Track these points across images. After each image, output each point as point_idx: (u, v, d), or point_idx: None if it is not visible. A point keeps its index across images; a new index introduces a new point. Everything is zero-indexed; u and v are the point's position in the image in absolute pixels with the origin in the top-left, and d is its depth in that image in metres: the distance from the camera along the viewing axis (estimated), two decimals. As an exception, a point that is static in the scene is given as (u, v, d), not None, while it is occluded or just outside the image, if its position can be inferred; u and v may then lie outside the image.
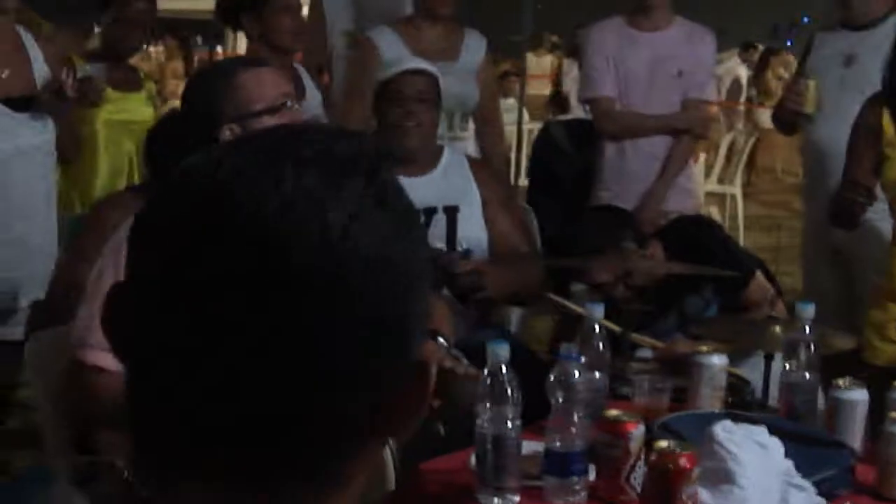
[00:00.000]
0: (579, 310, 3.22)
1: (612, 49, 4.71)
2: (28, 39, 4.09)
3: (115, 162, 4.58)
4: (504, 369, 2.26)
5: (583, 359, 2.52)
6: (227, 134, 2.55)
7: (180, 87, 11.45)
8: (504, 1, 8.42)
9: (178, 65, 14.89)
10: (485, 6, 8.72)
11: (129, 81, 4.71)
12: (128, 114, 4.61)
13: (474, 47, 4.49)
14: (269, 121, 2.59)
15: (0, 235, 3.93)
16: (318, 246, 0.87)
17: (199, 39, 17.19)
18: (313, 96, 4.40)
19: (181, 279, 0.87)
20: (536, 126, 8.19)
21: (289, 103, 2.66)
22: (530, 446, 2.37)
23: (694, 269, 3.62)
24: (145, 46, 9.95)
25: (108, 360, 2.48)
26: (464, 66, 4.35)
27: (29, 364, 2.95)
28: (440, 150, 3.80)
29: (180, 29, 15.56)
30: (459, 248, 3.64)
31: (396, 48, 4.29)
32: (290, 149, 0.93)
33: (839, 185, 3.75)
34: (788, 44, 13.74)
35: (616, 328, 3.26)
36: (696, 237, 3.95)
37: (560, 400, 2.30)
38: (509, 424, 2.26)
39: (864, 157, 3.67)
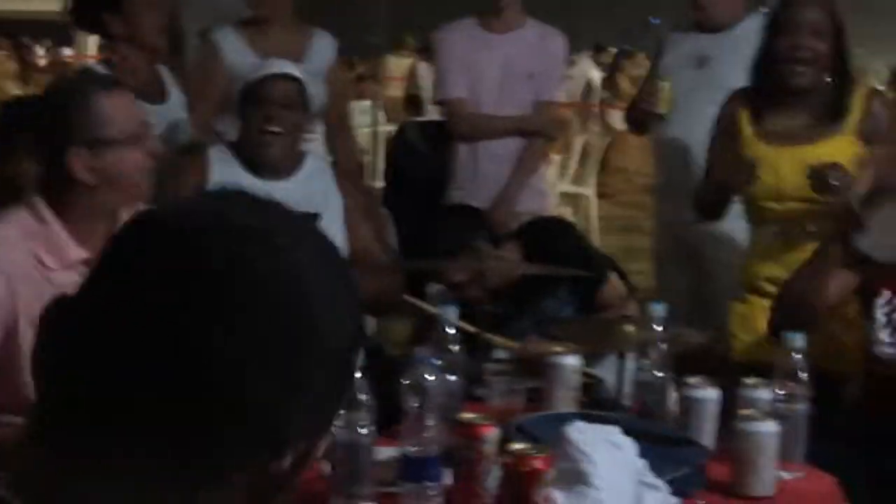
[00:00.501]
0: (434, 310, 3.20)
1: (463, 51, 4.70)
2: None
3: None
4: (357, 375, 2.22)
5: (437, 362, 2.50)
6: (73, 158, 2.45)
7: (14, 89, 11.19)
8: (362, 2, 8.35)
9: (10, 66, 14.49)
10: (342, 7, 8.66)
11: None
12: None
13: (322, 49, 4.36)
14: (120, 150, 2.51)
15: None
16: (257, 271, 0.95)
17: (47, 42, 16.83)
18: (176, 98, 4.28)
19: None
20: (394, 128, 8.17)
21: (144, 134, 2.57)
22: (385, 452, 2.34)
23: (548, 269, 3.62)
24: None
25: None
26: (310, 68, 4.23)
27: None
28: (303, 155, 3.73)
29: (20, 30, 15.19)
30: None
31: (239, 50, 4.20)
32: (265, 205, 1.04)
33: (702, 178, 3.79)
34: (640, 46, 13.95)
35: (471, 329, 3.24)
36: (552, 238, 3.96)
37: (414, 404, 2.27)
38: (363, 431, 2.23)
39: (721, 157, 3.69)
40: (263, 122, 3.54)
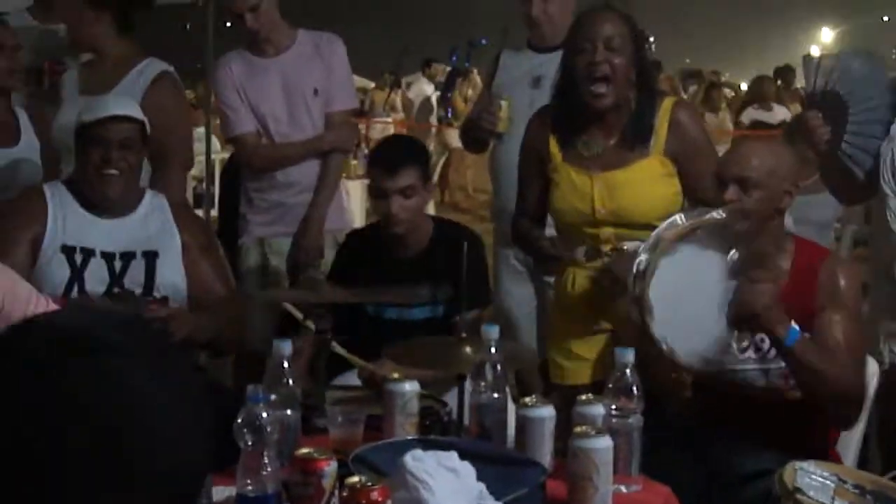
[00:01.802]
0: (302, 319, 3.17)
1: (241, 82, 4.53)
2: None
3: None
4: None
5: (272, 397, 2.47)
6: None
7: None
8: (185, 28, 8.25)
9: None
10: (163, 34, 8.54)
11: None
12: None
13: (140, 76, 4.14)
14: None
15: None
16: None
17: None
18: (27, 143, 4.18)
19: None
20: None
21: None
22: (223, 492, 2.31)
23: (388, 297, 3.56)
24: None
25: None
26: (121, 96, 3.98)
27: None
28: (141, 192, 3.66)
29: None
30: (156, 295, 3.51)
31: (72, 88, 4.20)
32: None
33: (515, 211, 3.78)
34: (467, 65, 14.03)
35: (310, 326, 3.20)
36: (458, 247, 3.83)
37: (249, 442, 2.24)
38: (198, 472, 2.19)
39: (533, 181, 3.66)
40: (102, 163, 3.50)
